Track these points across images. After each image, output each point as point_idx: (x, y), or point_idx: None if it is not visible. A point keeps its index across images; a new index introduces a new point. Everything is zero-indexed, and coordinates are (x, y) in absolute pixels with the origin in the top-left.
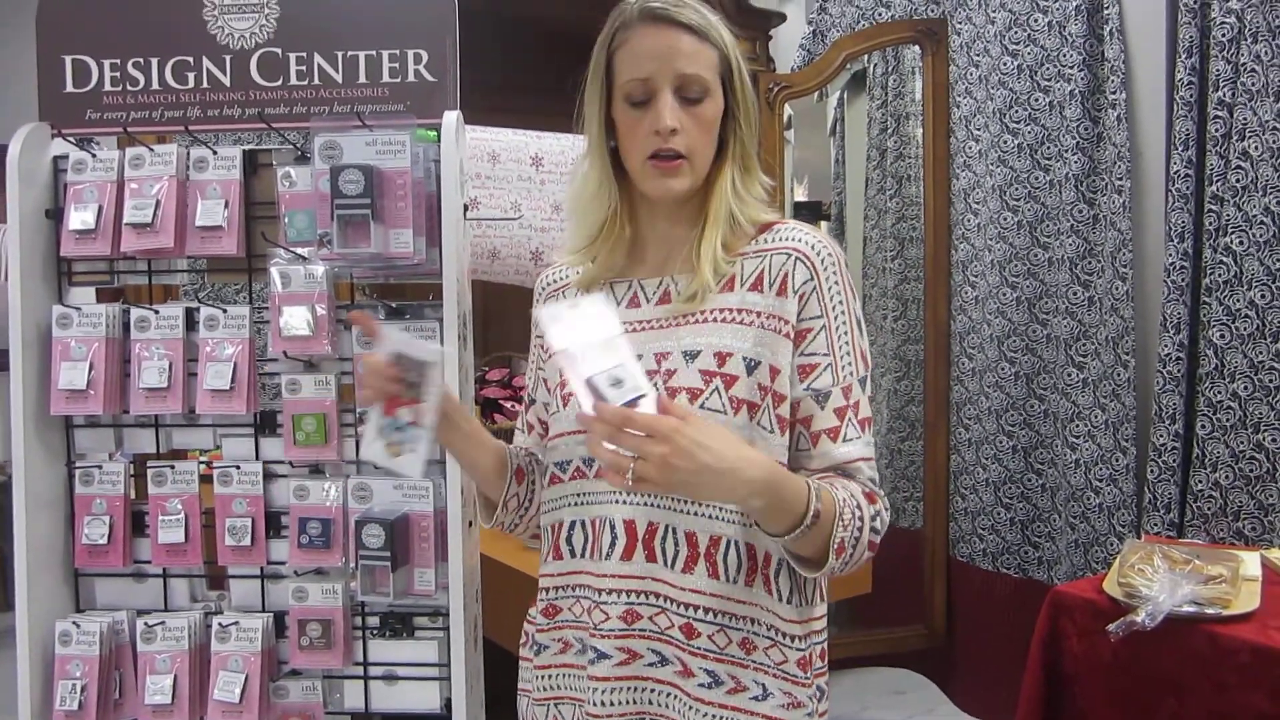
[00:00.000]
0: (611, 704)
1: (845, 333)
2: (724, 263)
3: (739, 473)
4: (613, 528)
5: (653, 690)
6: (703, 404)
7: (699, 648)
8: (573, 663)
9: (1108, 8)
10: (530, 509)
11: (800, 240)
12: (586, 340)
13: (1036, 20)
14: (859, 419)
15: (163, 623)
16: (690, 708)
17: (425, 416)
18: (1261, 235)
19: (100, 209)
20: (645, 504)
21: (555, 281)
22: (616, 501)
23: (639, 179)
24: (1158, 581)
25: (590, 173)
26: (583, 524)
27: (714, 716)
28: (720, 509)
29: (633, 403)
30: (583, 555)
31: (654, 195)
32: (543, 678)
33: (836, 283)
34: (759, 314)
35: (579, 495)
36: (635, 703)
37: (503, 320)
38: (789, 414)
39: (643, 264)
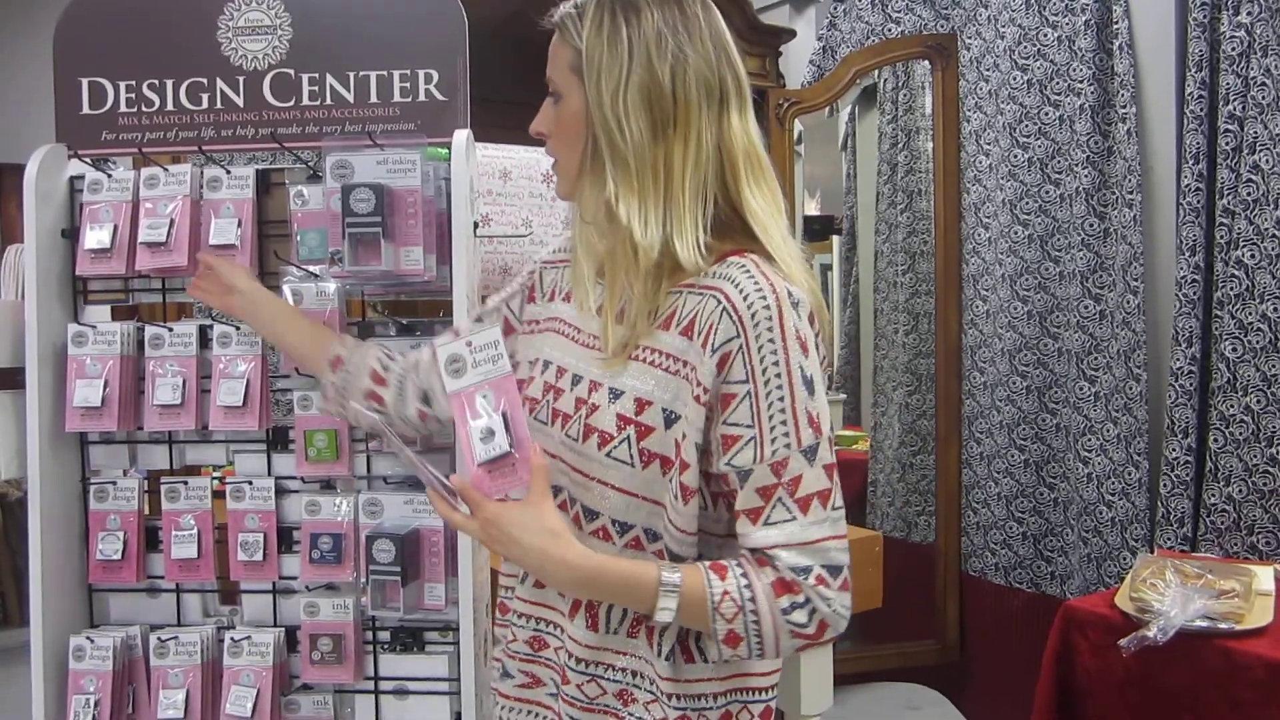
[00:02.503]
0: None
1: (780, 399)
2: (629, 309)
3: (545, 572)
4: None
5: (548, 718)
6: (609, 453)
7: (569, 695)
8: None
9: (1117, 22)
10: (362, 401)
11: (737, 285)
12: (474, 385)
13: (1046, 35)
14: (795, 498)
15: (175, 637)
16: None
17: (433, 471)
18: (1273, 249)
19: (115, 228)
20: None
21: (556, 252)
22: None
23: None
24: (1170, 596)
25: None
26: None
27: None
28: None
29: (499, 459)
30: (512, 573)
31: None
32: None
33: (771, 340)
34: (685, 363)
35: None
36: None
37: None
38: (695, 483)
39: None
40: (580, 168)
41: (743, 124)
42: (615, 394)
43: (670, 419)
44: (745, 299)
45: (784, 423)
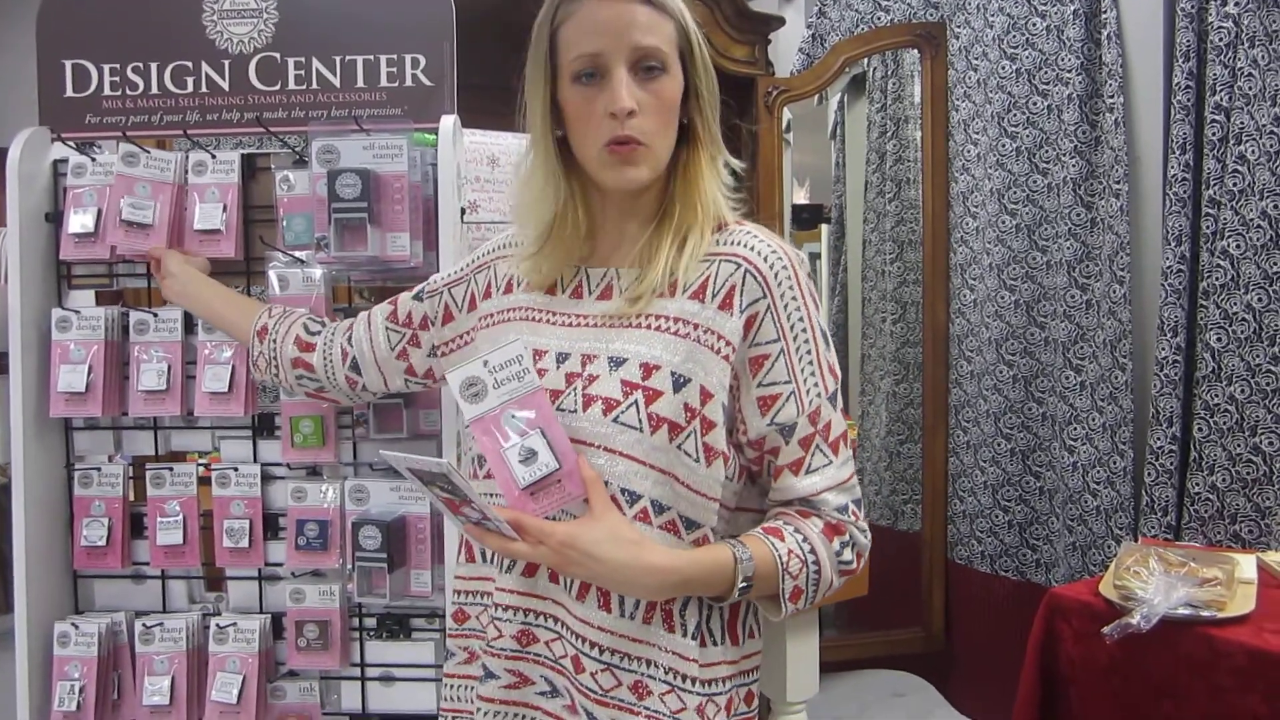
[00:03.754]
0: None
1: (809, 352)
2: (686, 265)
3: (634, 582)
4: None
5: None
6: (617, 418)
7: (583, 685)
8: (461, 673)
9: (1105, 12)
10: (285, 370)
11: (752, 249)
12: (501, 405)
13: (1035, 24)
14: (829, 442)
15: (161, 624)
16: None
17: (488, 510)
18: (1258, 239)
19: (99, 212)
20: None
21: (512, 245)
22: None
23: (595, 169)
24: (1153, 584)
25: (535, 167)
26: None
27: None
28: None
29: (545, 479)
30: (489, 561)
31: (612, 186)
32: (450, 686)
33: (795, 298)
34: (695, 326)
35: (491, 496)
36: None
37: None
38: (722, 443)
39: (592, 253)
40: (667, 152)
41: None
42: (617, 361)
43: (679, 382)
44: (765, 260)
45: (813, 374)
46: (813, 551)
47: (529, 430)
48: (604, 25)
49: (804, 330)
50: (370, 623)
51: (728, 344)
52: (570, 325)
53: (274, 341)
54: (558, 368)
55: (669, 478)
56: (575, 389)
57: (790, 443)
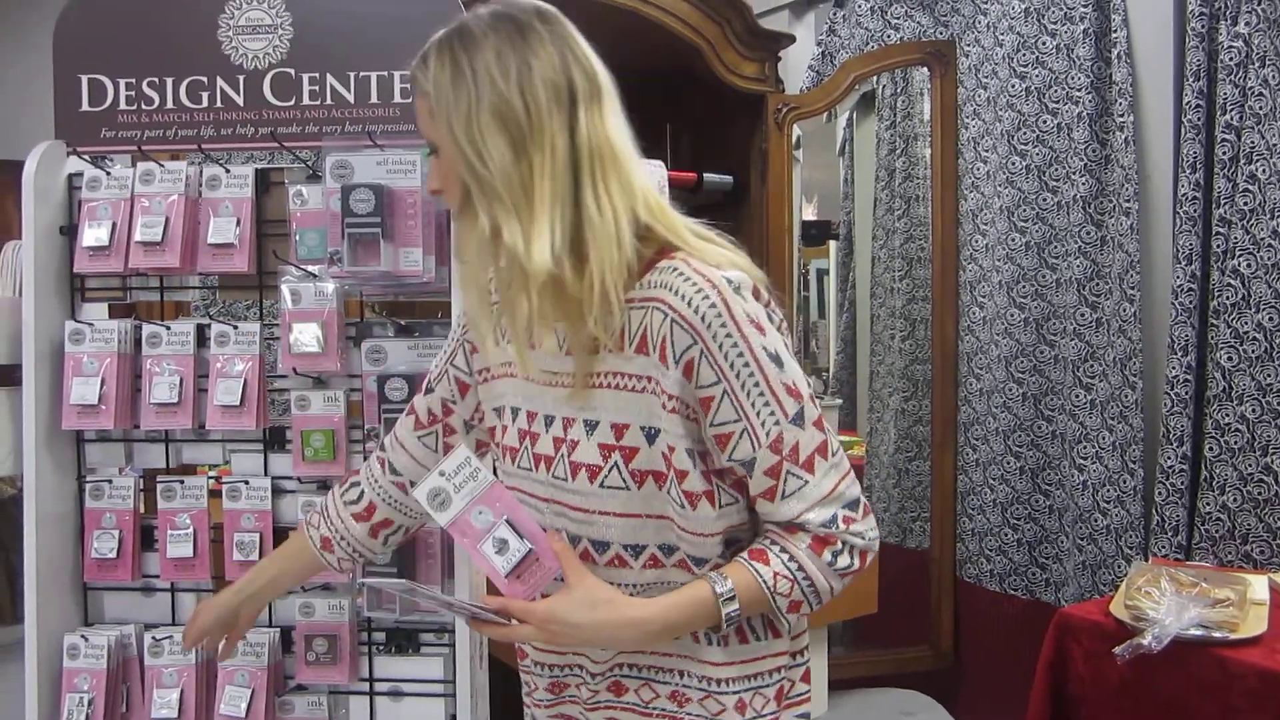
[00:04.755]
0: None
1: (756, 384)
2: (531, 329)
3: (616, 639)
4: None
5: None
6: (603, 483)
7: (628, 703)
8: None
9: (1116, 31)
10: (374, 546)
11: (676, 291)
12: (465, 507)
13: (1045, 43)
14: (801, 463)
15: (170, 637)
16: None
17: (469, 606)
18: (1269, 258)
19: (114, 226)
20: None
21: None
22: None
23: None
24: (1165, 604)
25: None
26: None
27: None
28: (639, 587)
29: (522, 561)
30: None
31: None
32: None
33: (729, 334)
34: (649, 379)
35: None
36: None
37: None
38: (699, 486)
39: None
40: (461, 209)
41: (595, 120)
42: (591, 425)
43: (651, 435)
44: (689, 303)
45: (767, 404)
46: (800, 569)
47: (496, 521)
48: None
49: (745, 364)
50: (379, 637)
51: (671, 397)
52: (549, 385)
53: (342, 540)
54: (546, 431)
55: (667, 521)
56: (561, 456)
57: (755, 475)
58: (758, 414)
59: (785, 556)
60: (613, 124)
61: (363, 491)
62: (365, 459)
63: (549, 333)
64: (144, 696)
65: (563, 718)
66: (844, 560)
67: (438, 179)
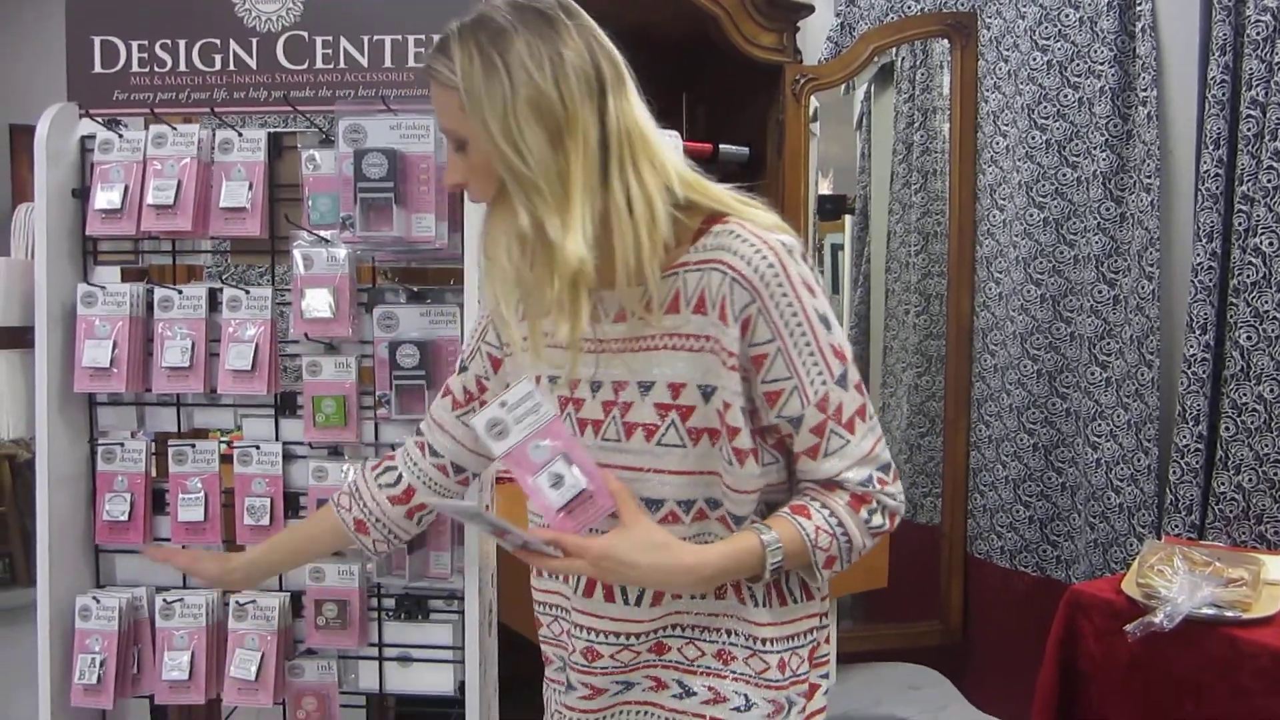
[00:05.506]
0: None
1: (807, 343)
2: (548, 314)
3: (670, 582)
4: None
5: (621, 713)
6: (659, 440)
7: (670, 660)
8: (552, 677)
9: (1140, 4)
10: (409, 527)
11: (735, 252)
12: (523, 439)
13: (1068, 15)
14: (843, 423)
15: (181, 600)
16: None
17: (525, 535)
18: None
19: (126, 189)
20: None
21: None
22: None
23: None
24: (1177, 583)
25: None
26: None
27: None
28: (684, 540)
29: (576, 498)
30: (557, 576)
31: None
32: (545, 689)
33: (785, 294)
34: (707, 338)
35: (535, 519)
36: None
37: None
38: (748, 444)
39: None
40: (492, 203)
41: (623, 106)
42: (645, 386)
43: (707, 393)
44: (749, 264)
45: (816, 364)
46: (840, 524)
47: (553, 457)
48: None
49: (799, 324)
50: (389, 603)
51: (730, 354)
52: (594, 351)
53: (378, 523)
54: (593, 396)
55: (715, 477)
56: (614, 417)
57: (801, 432)
58: (807, 372)
59: (826, 512)
60: (638, 108)
61: (400, 475)
62: (374, 445)
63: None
64: (155, 658)
65: (591, 689)
66: (877, 519)
67: (461, 173)
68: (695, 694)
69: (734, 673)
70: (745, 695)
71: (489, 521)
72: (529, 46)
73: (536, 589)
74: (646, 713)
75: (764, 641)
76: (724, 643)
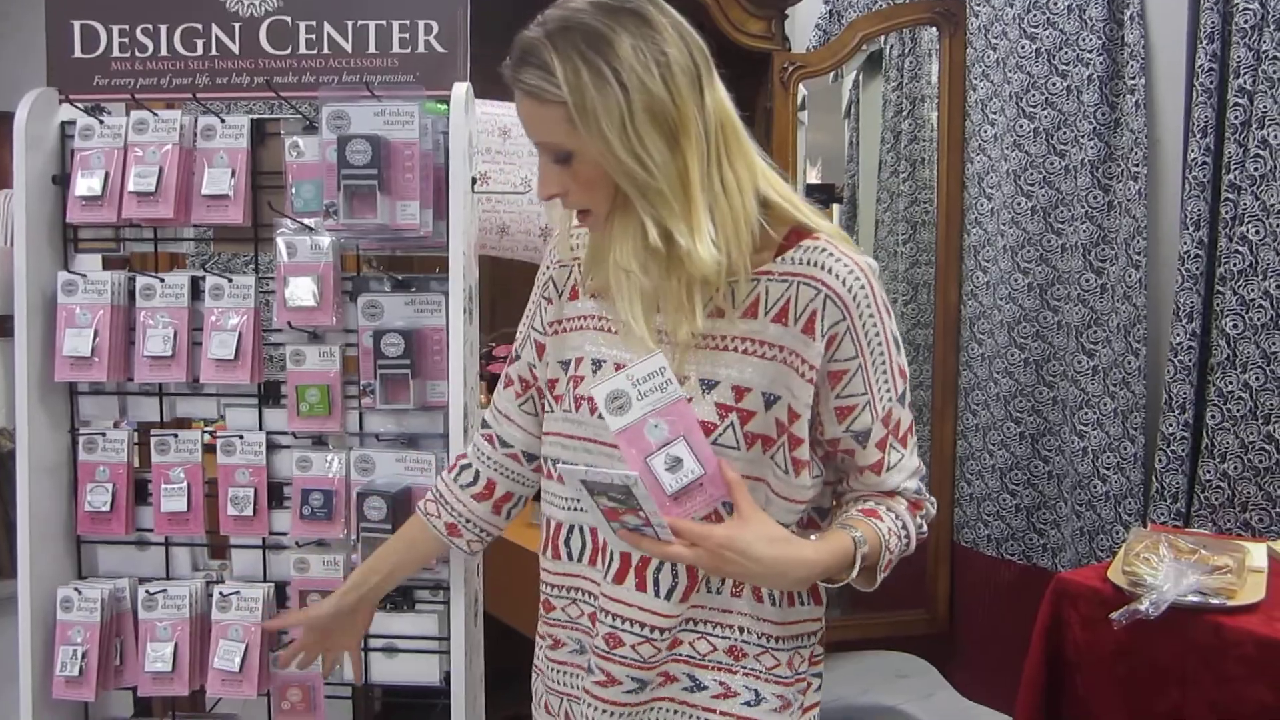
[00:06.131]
0: (611, 712)
1: (883, 363)
2: (683, 322)
3: (786, 576)
4: (609, 551)
5: (631, 714)
6: (716, 439)
7: (681, 654)
8: (565, 660)
9: None
10: (498, 523)
11: (830, 270)
12: (643, 417)
13: (1056, 3)
14: (899, 438)
15: (164, 591)
16: (675, 712)
17: (655, 517)
18: (1278, 225)
19: (107, 175)
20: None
21: (570, 249)
22: None
23: None
24: (1162, 570)
25: None
26: (580, 530)
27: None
28: None
29: (690, 485)
30: (580, 560)
31: None
32: (540, 664)
33: (872, 315)
34: (782, 348)
35: (578, 501)
36: (631, 715)
37: (510, 296)
38: (807, 455)
39: None
40: (610, 213)
41: (717, 95)
42: (708, 384)
43: (770, 400)
44: (844, 283)
45: (887, 382)
46: (904, 528)
47: (672, 438)
48: (521, 121)
49: (879, 344)
50: None
51: (811, 368)
52: (657, 343)
53: (468, 523)
54: None
55: (762, 484)
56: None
57: (867, 447)
58: (879, 390)
59: (892, 516)
60: (725, 95)
61: (477, 472)
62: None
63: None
64: (138, 650)
65: (607, 675)
66: (924, 528)
67: (561, 185)
68: (705, 688)
69: (744, 668)
70: (755, 690)
71: (634, 496)
72: (634, 50)
73: (552, 571)
74: (655, 708)
75: (775, 639)
76: (736, 639)
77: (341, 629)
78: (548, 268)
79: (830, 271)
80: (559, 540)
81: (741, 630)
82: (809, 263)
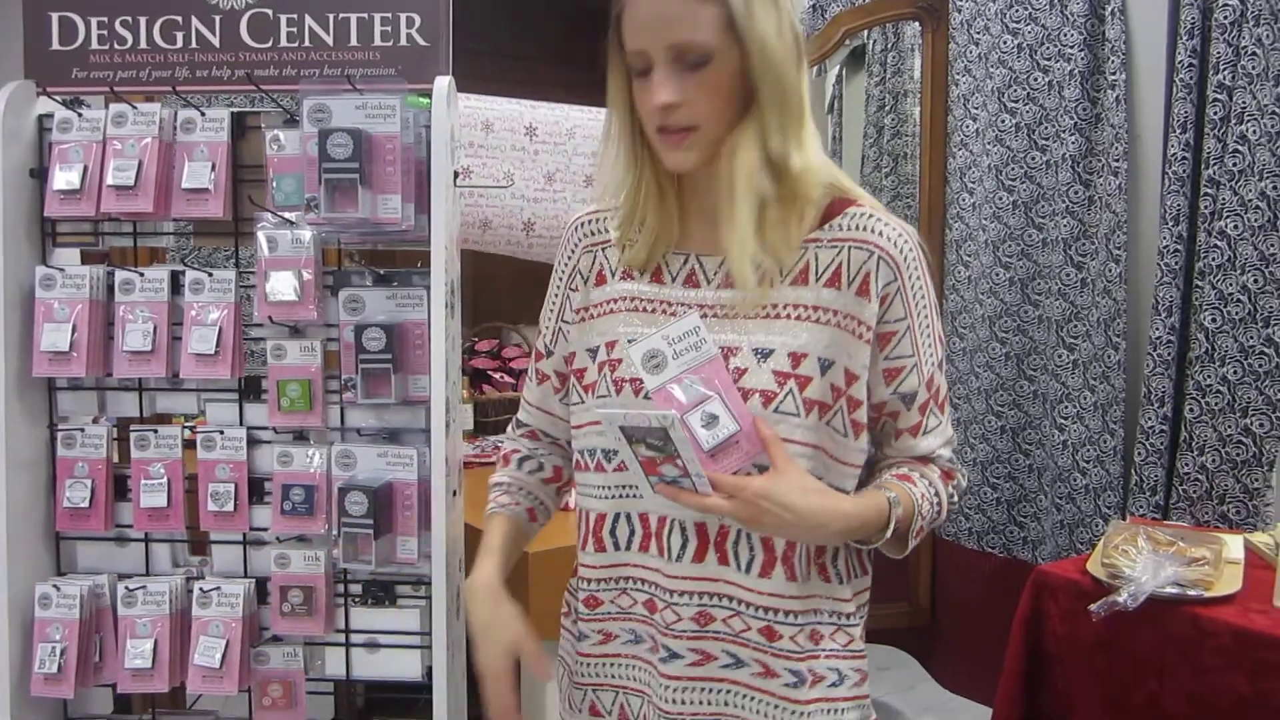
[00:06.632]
0: (685, 702)
1: (928, 326)
2: (781, 247)
3: (823, 528)
4: (683, 529)
5: (728, 691)
6: (777, 407)
7: (782, 649)
8: (618, 652)
9: None
10: (552, 499)
11: (881, 234)
12: (679, 374)
13: None
14: (939, 403)
15: (144, 587)
16: (777, 707)
17: (693, 466)
18: (1256, 220)
19: (85, 169)
20: None
21: (593, 235)
22: None
23: (656, 151)
24: (1141, 562)
25: (617, 148)
26: (628, 517)
27: (803, 714)
28: None
29: (727, 441)
30: (628, 548)
31: (670, 168)
32: (582, 664)
33: (919, 277)
34: (835, 312)
35: (624, 488)
36: (711, 703)
37: (493, 290)
38: (865, 417)
39: (699, 236)
40: (728, 129)
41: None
42: (763, 352)
43: (825, 366)
44: (895, 245)
45: (930, 346)
46: (937, 495)
47: (708, 395)
48: (645, 23)
49: (925, 306)
50: (355, 589)
51: (868, 328)
52: (701, 316)
53: (543, 507)
54: None
55: (820, 451)
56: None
57: (911, 409)
58: (924, 352)
59: (925, 482)
60: None
61: (540, 462)
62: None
63: (678, 262)
64: (117, 647)
65: (702, 654)
66: (955, 498)
67: (683, 92)
68: (805, 680)
69: (825, 650)
70: (838, 670)
71: (672, 440)
72: None
73: (596, 565)
74: (750, 695)
75: (845, 616)
76: (815, 623)
77: (517, 642)
78: (570, 255)
79: (881, 235)
80: (601, 532)
81: (817, 613)
82: (858, 228)
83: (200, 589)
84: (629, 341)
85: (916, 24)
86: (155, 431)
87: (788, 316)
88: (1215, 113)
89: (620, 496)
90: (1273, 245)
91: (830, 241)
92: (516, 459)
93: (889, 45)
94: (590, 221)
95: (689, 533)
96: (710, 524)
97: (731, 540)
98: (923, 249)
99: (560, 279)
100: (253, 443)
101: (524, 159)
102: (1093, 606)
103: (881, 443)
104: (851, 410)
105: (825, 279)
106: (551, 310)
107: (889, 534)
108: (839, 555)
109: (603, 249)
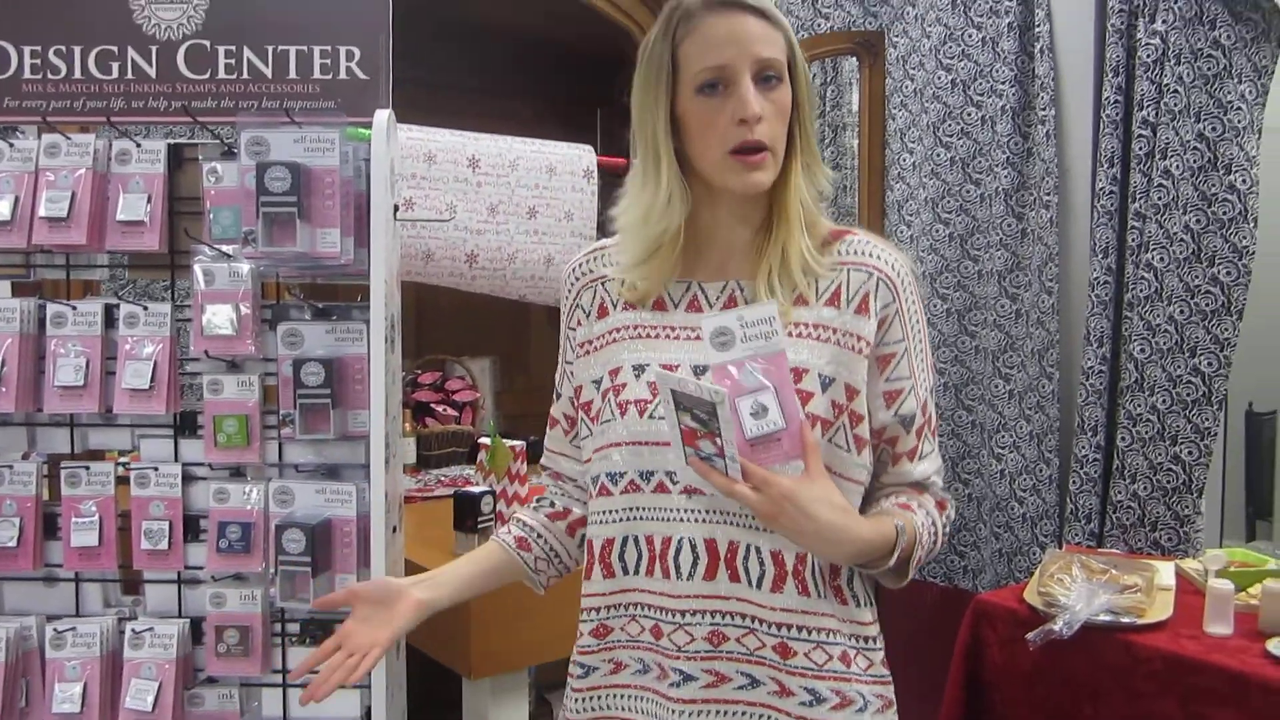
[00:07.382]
0: None
1: (922, 351)
2: (813, 263)
3: (838, 545)
4: (692, 547)
5: (743, 714)
6: None
7: (797, 666)
8: (628, 682)
9: (1039, 25)
10: (570, 546)
11: (880, 259)
12: (743, 358)
13: (970, 35)
14: (931, 429)
15: (73, 629)
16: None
17: (729, 448)
18: (1180, 252)
19: (16, 200)
20: (724, 522)
21: (592, 271)
22: (690, 520)
23: (717, 174)
24: (1075, 591)
25: (660, 181)
26: (635, 540)
27: None
28: None
29: (769, 436)
30: (636, 573)
31: (739, 190)
32: (589, 698)
33: (914, 302)
34: (835, 330)
35: (630, 510)
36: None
37: (436, 323)
38: (867, 433)
39: (700, 265)
40: (782, 155)
41: None
42: None
43: (826, 383)
44: (893, 269)
45: (924, 371)
46: (933, 524)
47: (764, 385)
48: (728, 38)
49: (919, 331)
50: (293, 628)
51: (866, 343)
52: (697, 339)
53: (539, 538)
54: (697, 380)
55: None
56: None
57: (909, 433)
58: (920, 376)
59: (923, 512)
60: None
61: (552, 500)
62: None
63: (680, 290)
64: (45, 690)
65: (715, 675)
66: (947, 528)
67: (774, 111)
68: (825, 700)
69: (854, 675)
70: (862, 695)
71: (717, 417)
72: None
73: (604, 593)
74: (766, 715)
75: (868, 640)
76: (845, 645)
77: (380, 614)
78: (570, 293)
79: (880, 259)
80: (609, 557)
81: (840, 635)
82: (858, 253)
83: (133, 630)
84: (635, 373)
85: (854, 59)
86: (87, 468)
87: (789, 335)
88: (1140, 148)
89: (628, 520)
90: (1197, 277)
91: (830, 266)
92: (532, 503)
93: (828, 79)
94: (587, 261)
95: (699, 550)
96: (719, 540)
97: (741, 556)
98: (913, 277)
99: (563, 321)
100: (188, 479)
101: (467, 190)
102: (1029, 635)
103: (878, 471)
104: (854, 425)
105: (825, 300)
106: (560, 355)
107: (893, 562)
108: (854, 578)
109: (602, 283)
